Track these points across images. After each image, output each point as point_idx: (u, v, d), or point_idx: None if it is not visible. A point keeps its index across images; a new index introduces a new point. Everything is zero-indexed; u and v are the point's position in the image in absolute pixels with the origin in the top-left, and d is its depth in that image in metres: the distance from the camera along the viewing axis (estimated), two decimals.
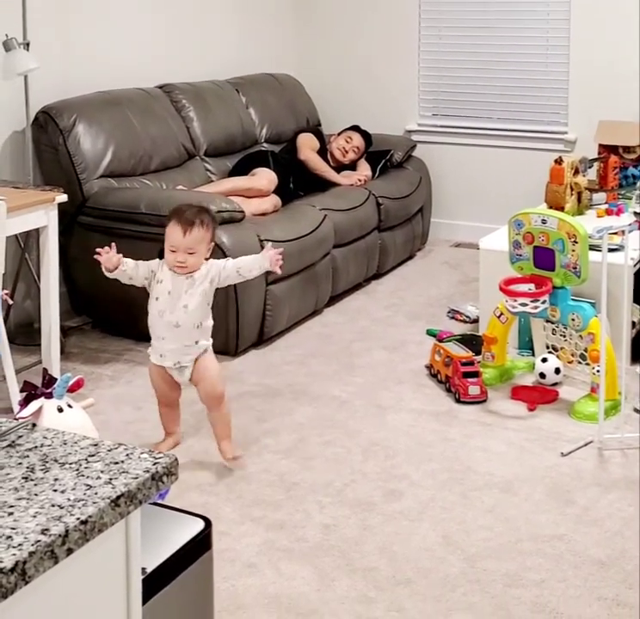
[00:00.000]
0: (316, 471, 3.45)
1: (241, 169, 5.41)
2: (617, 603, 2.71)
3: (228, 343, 4.44)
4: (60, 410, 2.61)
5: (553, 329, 4.21)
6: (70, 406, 2.65)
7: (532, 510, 3.20)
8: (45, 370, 2.79)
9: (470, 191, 6.42)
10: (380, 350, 4.57)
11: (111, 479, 1.33)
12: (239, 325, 4.42)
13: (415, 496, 3.28)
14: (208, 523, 1.88)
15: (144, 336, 4.60)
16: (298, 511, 3.18)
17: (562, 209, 4.79)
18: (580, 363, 4.12)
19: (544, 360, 4.13)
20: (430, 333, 4.68)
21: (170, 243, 3.32)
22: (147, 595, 1.67)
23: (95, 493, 1.29)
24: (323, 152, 5.74)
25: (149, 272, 3.40)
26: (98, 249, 3.36)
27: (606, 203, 5.21)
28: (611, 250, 3.98)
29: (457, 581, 2.81)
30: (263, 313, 4.55)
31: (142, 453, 1.40)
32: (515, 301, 4.00)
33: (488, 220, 5.88)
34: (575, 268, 3.96)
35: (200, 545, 1.85)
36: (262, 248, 4.52)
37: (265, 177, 5.23)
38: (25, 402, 2.43)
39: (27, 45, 4.49)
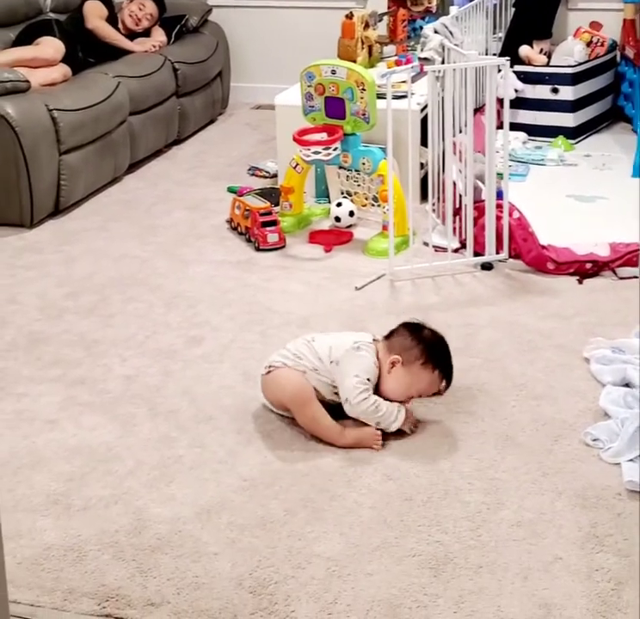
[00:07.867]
0: (118, 327, 3.45)
1: (24, 39, 5.20)
2: None
3: (22, 215, 4.34)
4: None
5: (347, 176, 4.29)
6: None
7: None
8: None
9: (268, 53, 6.39)
10: (182, 210, 4.56)
11: None
12: (32, 196, 4.32)
13: (215, 340, 3.33)
14: None
15: None
16: (99, 367, 3.18)
17: (354, 62, 4.81)
18: (373, 205, 4.22)
19: (339, 205, 4.23)
20: (231, 190, 4.67)
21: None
22: None
23: None
24: (113, 20, 5.55)
25: None
26: None
27: (395, 55, 5.31)
28: (398, 97, 4.09)
29: (258, 413, 2.86)
30: (58, 183, 4.45)
31: None
32: (309, 150, 4.06)
33: (286, 80, 5.79)
34: (365, 115, 4.05)
35: None
36: (52, 118, 4.44)
37: (50, 46, 5.05)
38: None
39: None
